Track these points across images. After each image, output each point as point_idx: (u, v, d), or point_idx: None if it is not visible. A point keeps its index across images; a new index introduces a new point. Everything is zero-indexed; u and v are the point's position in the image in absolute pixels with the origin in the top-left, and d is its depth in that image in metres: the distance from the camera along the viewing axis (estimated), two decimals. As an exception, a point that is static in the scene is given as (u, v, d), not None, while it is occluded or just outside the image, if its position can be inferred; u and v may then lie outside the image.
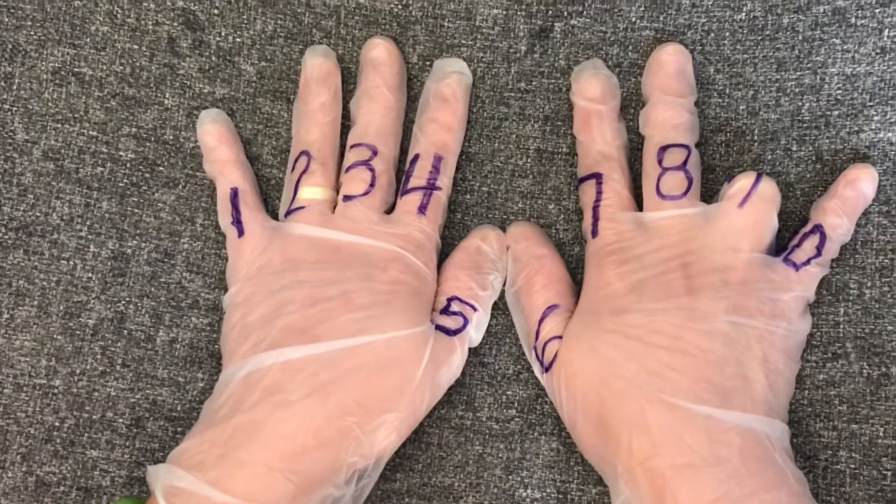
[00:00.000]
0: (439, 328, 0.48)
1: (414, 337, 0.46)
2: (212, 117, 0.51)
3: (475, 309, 0.49)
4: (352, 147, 0.50)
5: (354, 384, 0.45)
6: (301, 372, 0.45)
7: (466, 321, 0.48)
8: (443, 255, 0.51)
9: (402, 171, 0.51)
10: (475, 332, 0.49)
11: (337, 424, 0.44)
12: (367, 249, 0.48)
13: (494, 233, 0.50)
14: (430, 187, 0.49)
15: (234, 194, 0.50)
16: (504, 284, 0.51)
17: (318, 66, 0.51)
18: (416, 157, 0.50)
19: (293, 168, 0.50)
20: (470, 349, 0.49)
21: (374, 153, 0.49)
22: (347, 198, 0.49)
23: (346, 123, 0.51)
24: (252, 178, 0.51)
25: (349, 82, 0.52)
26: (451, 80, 0.51)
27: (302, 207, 0.49)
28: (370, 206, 0.49)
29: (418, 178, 0.49)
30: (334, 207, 0.49)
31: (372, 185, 0.49)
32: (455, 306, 0.48)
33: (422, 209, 0.49)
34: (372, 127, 0.50)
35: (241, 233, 0.49)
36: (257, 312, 0.47)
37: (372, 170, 0.49)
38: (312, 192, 0.49)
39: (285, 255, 0.48)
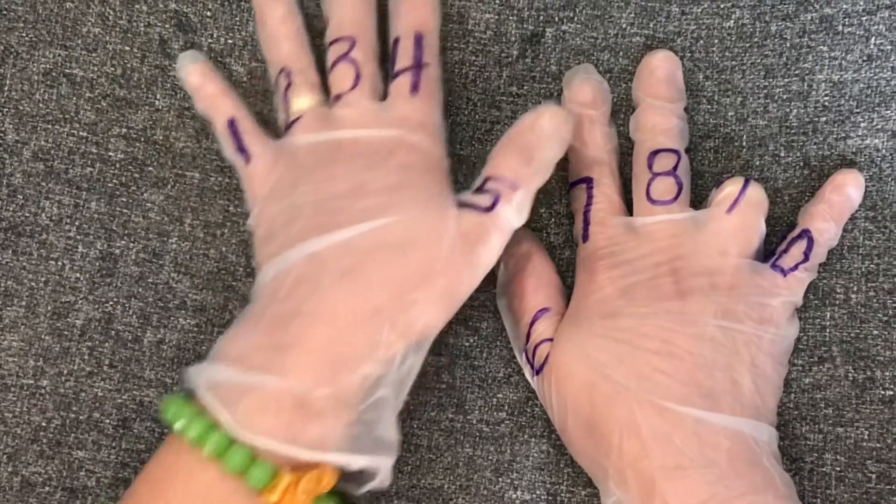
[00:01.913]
0: (467, 206, 0.46)
1: (432, 214, 0.45)
2: (190, 57, 0.51)
3: (515, 188, 0.46)
4: (330, 45, 0.50)
5: (380, 265, 0.44)
6: (327, 261, 0.44)
7: (498, 197, 0.46)
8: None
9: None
10: (513, 212, 0.46)
11: (370, 304, 0.43)
12: (369, 140, 0.47)
13: (550, 111, 0.47)
14: (418, 65, 0.49)
15: (232, 123, 0.50)
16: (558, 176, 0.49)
17: None
18: (397, 39, 0.49)
19: (276, 89, 0.50)
20: (462, 350, 0.49)
21: (353, 44, 0.49)
22: (337, 96, 0.49)
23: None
24: (244, 106, 0.51)
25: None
26: None
27: (297, 119, 0.49)
28: (361, 98, 0.48)
29: (403, 59, 0.49)
30: None
31: (357, 76, 0.49)
32: (489, 185, 0.46)
33: (414, 88, 0.48)
34: (346, 18, 0.49)
35: (247, 159, 0.49)
36: (278, 221, 0.47)
37: (354, 61, 0.49)
38: (301, 101, 0.49)
39: (293, 167, 0.48)
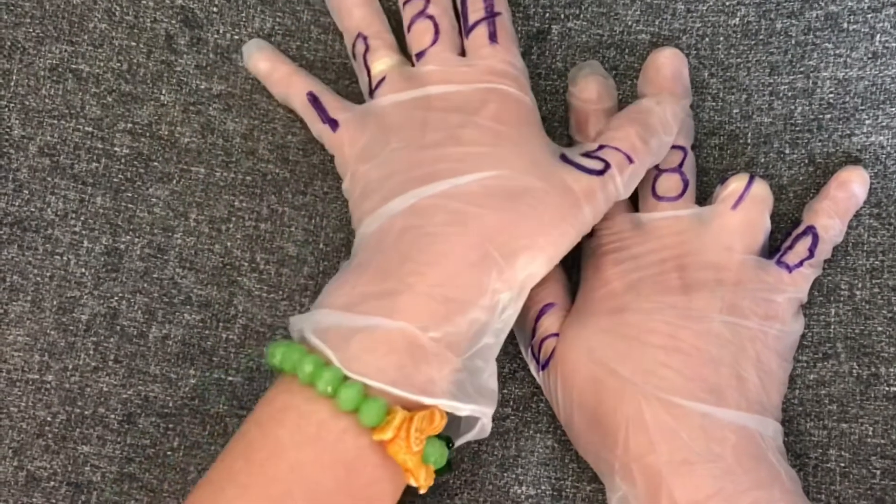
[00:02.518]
0: (576, 165, 0.46)
1: (542, 168, 0.45)
2: (255, 46, 0.52)
3: (630, 161, 0.46)
4: (404, 5, 0.50)
5: (487, 213, 0.43)
6: (433, 208, 0.44)
7: (609, 165, 0.46)
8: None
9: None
10: (622, 183, 0.46)
11: (478, 250, 0.43)
12: (458, 94, 0.47)
13: (671, 98, 0.49)
14: (491, 14, 0.48)
15: (313, 98, 0.50)
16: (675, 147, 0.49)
17: None
18: None
19: (354, 56, 0.50)
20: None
21: (427, 0, 0.49)
22: (419, 55, 0.49)
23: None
24: (319, 80, 0.51)
25: (345, 78, 0.52)
26: None
27: (381, 81, 0.49)
28: (443, 52, 0.48)
29: (475, 10, 0.49)
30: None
31: (437, 31, 0.48)
32: (603, 152, 0.46)
33: (492, 38, 0.48)
34: None
35: (334, 126, 0.49)
36: (373, 178, 0.46)
37: (431, 17, 0.49)
38: (383, 63, 0.49)
39: (383, 127, 0.47)
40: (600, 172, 0.45)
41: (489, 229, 0.43)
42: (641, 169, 0.47)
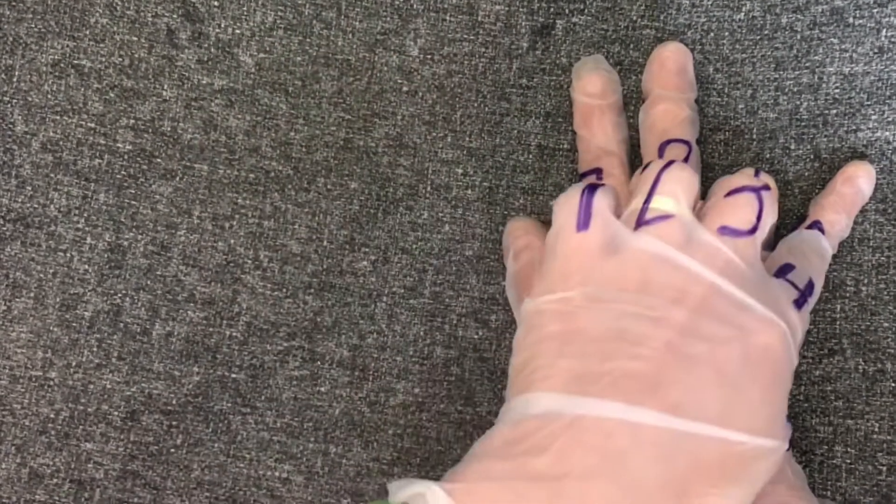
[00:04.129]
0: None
1: (776, 450, 0.40)
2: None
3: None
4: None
5: (701, 477, 0.38)
6: (651, 445, 0.37)
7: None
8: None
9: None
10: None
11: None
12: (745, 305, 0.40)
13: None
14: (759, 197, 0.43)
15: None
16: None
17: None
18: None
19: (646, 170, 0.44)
20: (472, 343, 0.49)
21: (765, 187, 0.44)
22: (724, 228, 0.42)
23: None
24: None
25: (348, 74, 0.52)
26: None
27: (656, 218, 0.41)
28: (754, 249, 0.42)
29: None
30: None
31: (759, 216, 0.42)
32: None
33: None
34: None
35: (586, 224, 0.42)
36: (597, 328, 0.39)
37: (761, 198, 0.43)
38: (669, 203, 0.42)
39: (623, 268, 0.40)
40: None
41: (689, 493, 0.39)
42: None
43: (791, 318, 0.41)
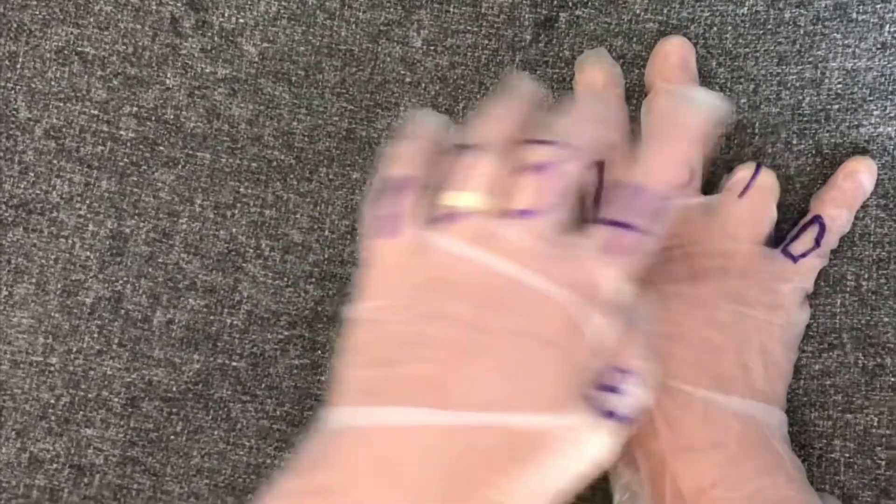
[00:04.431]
0: None
1: (575, 426, 0.37)
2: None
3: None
4: (530, 142, 0.40)
5: (488, 467, 0.36)
6: (431, 445, 0.36)
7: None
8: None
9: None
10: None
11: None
12: (533, 293, 0.38)
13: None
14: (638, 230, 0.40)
15: None
16: None
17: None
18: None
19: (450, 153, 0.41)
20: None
21: (570, 154, 0.40)
22: (520, 212, 0.39)
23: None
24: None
25: (351, 64, 0.52)
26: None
27: (447, 215, 0.39)
28: (549, 230, 0.39)
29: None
30: None
31: (560, 198, 0.39)
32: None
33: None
34: (569, 127, 0.41)
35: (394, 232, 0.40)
36: (400, 334, 0.38)
37: (562, 176, 0.39)
38: (462, 197, 0.39)
39: (421, 273, 0.39)
40: None
41: (470, 483, 0.37)
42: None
43: (596, 278, 0.38)
